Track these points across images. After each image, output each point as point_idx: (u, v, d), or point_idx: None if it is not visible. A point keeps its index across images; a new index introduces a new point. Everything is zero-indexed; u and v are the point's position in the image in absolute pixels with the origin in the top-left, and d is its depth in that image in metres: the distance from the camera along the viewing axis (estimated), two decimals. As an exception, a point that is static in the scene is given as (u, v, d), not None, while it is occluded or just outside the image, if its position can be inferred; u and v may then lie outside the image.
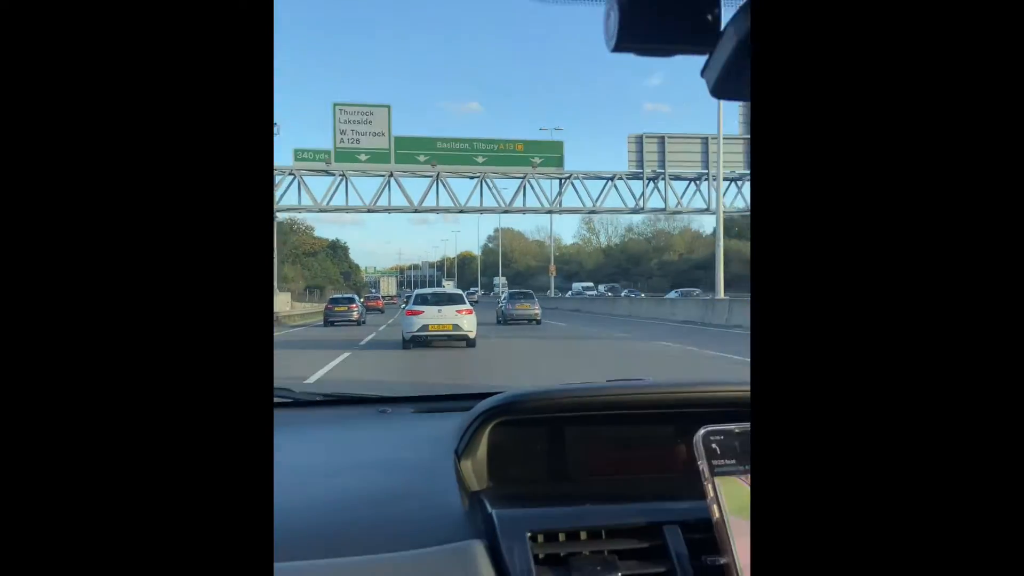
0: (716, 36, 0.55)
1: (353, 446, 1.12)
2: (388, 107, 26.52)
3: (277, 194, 25.11)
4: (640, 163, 27.16)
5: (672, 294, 32.42)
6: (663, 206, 27.72)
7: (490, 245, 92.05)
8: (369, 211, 26.87)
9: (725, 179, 24.43)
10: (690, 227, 60.74)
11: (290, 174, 25.34)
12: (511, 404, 0.90)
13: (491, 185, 27.63)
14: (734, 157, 25.90)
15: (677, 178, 27.42)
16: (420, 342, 12.10)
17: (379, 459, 1.00)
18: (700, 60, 0.56)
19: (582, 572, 0.70)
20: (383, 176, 26.24)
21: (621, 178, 27.38)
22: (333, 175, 26.10)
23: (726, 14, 0.56)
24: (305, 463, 0.98)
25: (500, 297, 27.62)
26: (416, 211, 27.61)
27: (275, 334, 14.39)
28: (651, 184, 27.03)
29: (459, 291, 14.21)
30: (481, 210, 28.15)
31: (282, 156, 28.58)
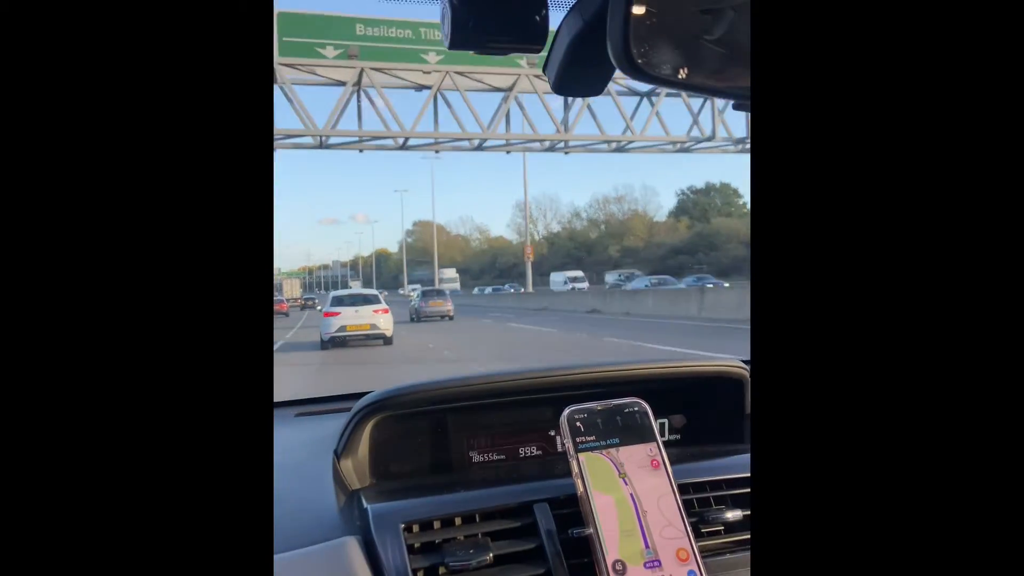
0: (545, 35, 0.59)
1: None
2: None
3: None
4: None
5: (692, 281, 27.43)
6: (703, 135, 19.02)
7: (410, 240, 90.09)
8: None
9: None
10: (639, 210, 58.98)
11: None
12: (387, 399, 0.90)
13: (447, 103, 17.08)
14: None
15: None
16: (338, 342, 12.55)
17: None
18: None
19: (455, 556, 0.72)
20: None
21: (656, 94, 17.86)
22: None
23: (555, 15, 0.60)
24: None
25: (414, 297, 23.78)
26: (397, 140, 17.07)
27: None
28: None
29: (375, 292, 14.73)
30: (460, 138, 17.45)
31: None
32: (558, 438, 1.02)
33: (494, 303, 35.47)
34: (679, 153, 21.22)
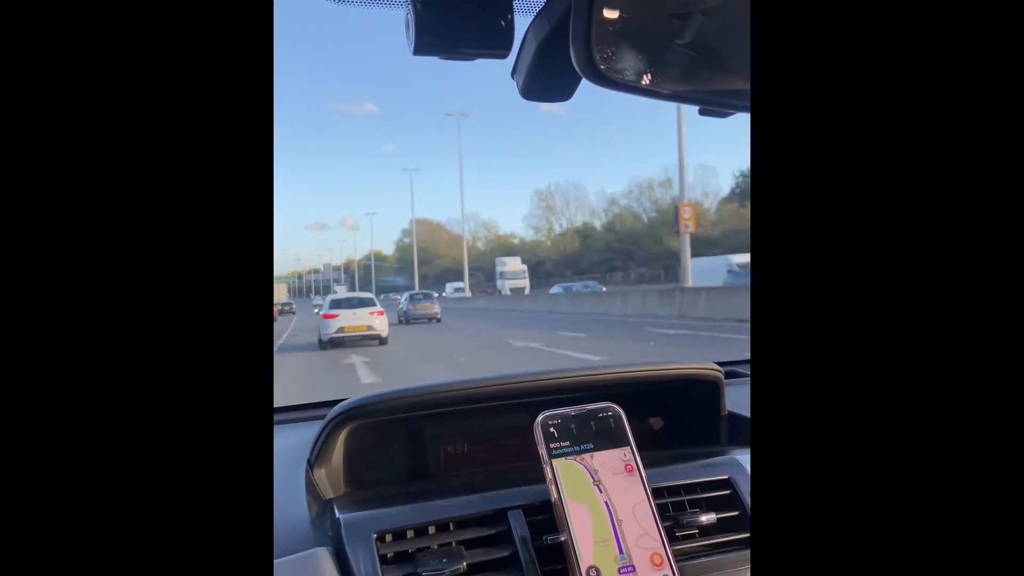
0: (511, 41, 0.59)
1: None
2: None
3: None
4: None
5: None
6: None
7: (406, 240, 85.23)
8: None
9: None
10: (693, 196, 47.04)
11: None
12: (361, 407, 0.89)
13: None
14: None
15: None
16: (337, 343, 13.41)
17: None
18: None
19: (428, 566, 0.72)
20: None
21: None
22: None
23: (520, 20, 0.60)
24: None
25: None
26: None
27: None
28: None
29: (371, 295, 15.74)
30: None
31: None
32: (533, 443, 1.01)
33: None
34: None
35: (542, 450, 0.73)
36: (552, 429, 0.74)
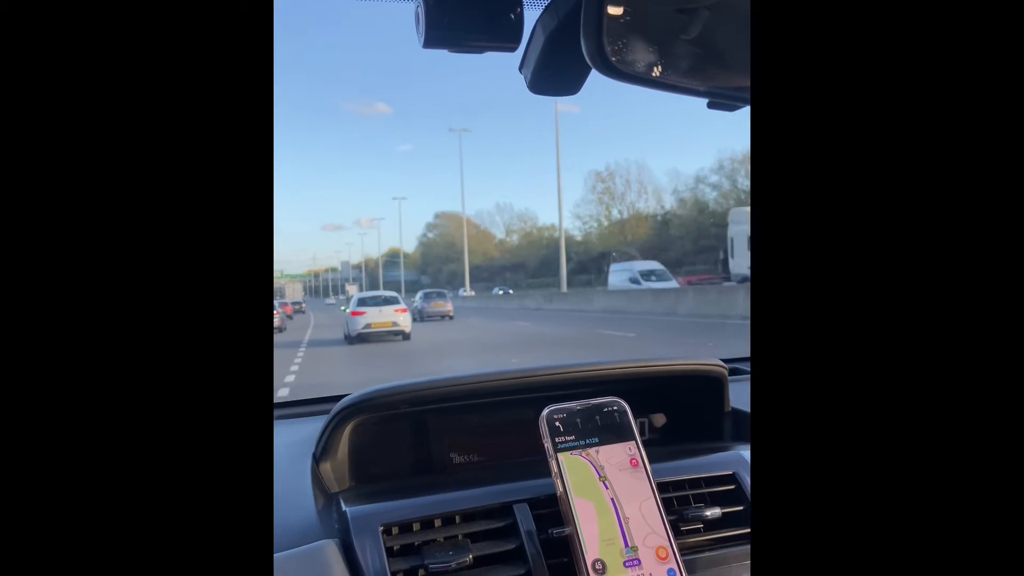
0: (520, 34, 0.59)
1: None
2: None
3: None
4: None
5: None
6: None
7: (430, 235, 79.27)
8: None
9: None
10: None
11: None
12: (366, 401, 0.89)
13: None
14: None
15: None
16: (364, 338, 14.54)
17: None
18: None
19: (434, 558, 0.72)
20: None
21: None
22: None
23: (529, 14, 0.60)
24: None
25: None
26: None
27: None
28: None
29: (396, 294, 16.95)
30: None
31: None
32: (539, 438, 1.01)
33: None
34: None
35: (547, 444, 0.73)
36: (557, 423, 0.74)
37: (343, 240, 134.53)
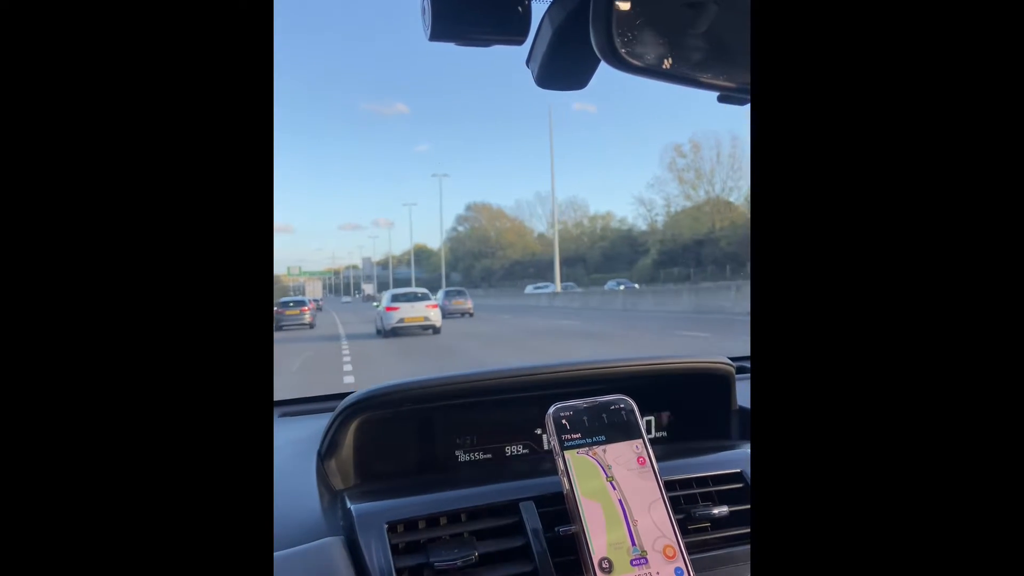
0: (528, 27, 0.59)
1: None
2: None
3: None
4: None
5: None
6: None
7: (460, 229, 72.71)
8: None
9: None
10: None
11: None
12: (370, 399, 0.89)
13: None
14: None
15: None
16: (398, 332, 15.79)
17: None
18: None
19: (440, 556, 0.72)
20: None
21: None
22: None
23: (537, 6, 0.59)
24: None
25: None
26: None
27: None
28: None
29: (426, 291, 18.19)
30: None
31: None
32: (544, 436, 1.01)
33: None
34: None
35: (554, 442, 0.73)
36: (564, 421, 0.74)
37: (363, 237, 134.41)
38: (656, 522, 0.70)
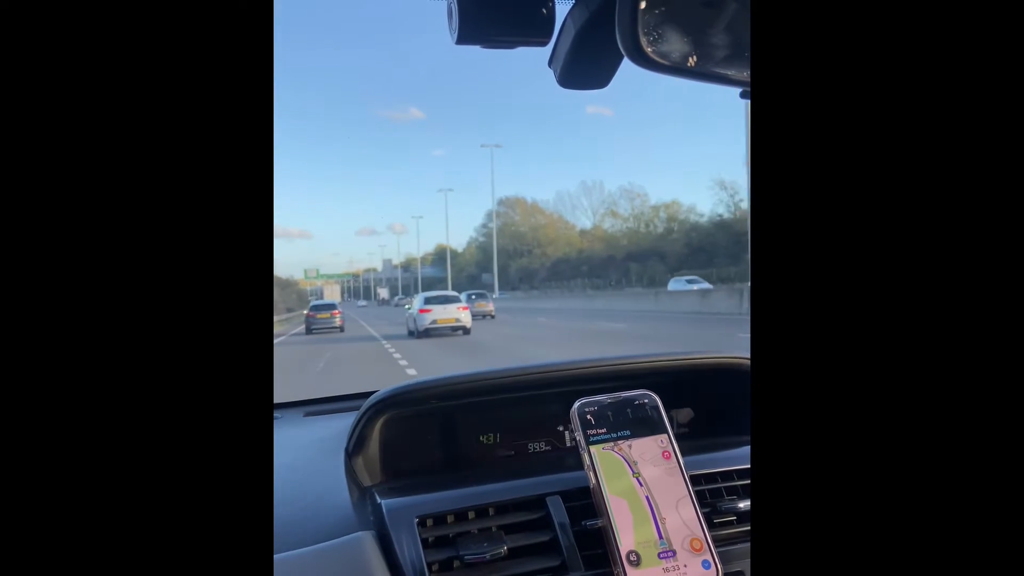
0: (552, 28, 0.59)
1: None
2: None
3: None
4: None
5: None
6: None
7: (490, 226, 66.01)
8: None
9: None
10: None
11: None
12: (395, 397, 0.90)
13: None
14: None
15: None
16: (431, 333, 16.51)
17: None
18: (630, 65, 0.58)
19: (469, 549, 0.73)
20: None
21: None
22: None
23: (560, 7, 0.60)
24: None
25: None
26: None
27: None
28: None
29: (457, 294, 19.40)
30: None
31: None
32: (567, 432, 1.03)
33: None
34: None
35: (579, 437, 0.74)
36: (589, 416, 0.74)
37: (382, 239, 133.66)
38: (683, 516, 0.71)
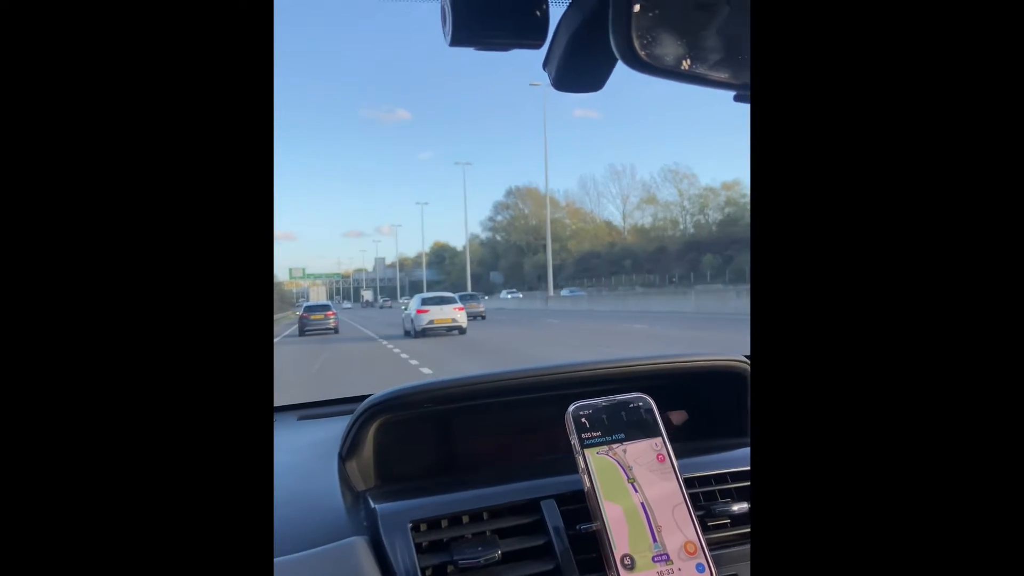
0: (546, 30, 0.59)
1: None
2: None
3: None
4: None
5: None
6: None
7: (498, 219, 62.31)
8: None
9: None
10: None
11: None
12: (389, 401, 0.90)
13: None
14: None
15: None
16: (428, 332, 16.97)
17: None
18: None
19: (463, 554, 0.73)
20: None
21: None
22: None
23: (554, 10, 0.60)
24: None
25: None
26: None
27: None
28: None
29: (453, 295, 19.70)
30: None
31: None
32: (562, 436, 1.01)
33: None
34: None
35: (574, 440, 0.73)
36: (583, 419, 0.74)
37: (368, 242, 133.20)
38: (677, 519, 0.70)
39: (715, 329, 13.94)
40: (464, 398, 0.95)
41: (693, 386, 1.08)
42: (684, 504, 0.71)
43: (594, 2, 0.59)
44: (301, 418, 1.25)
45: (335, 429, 0.99)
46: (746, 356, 1.05)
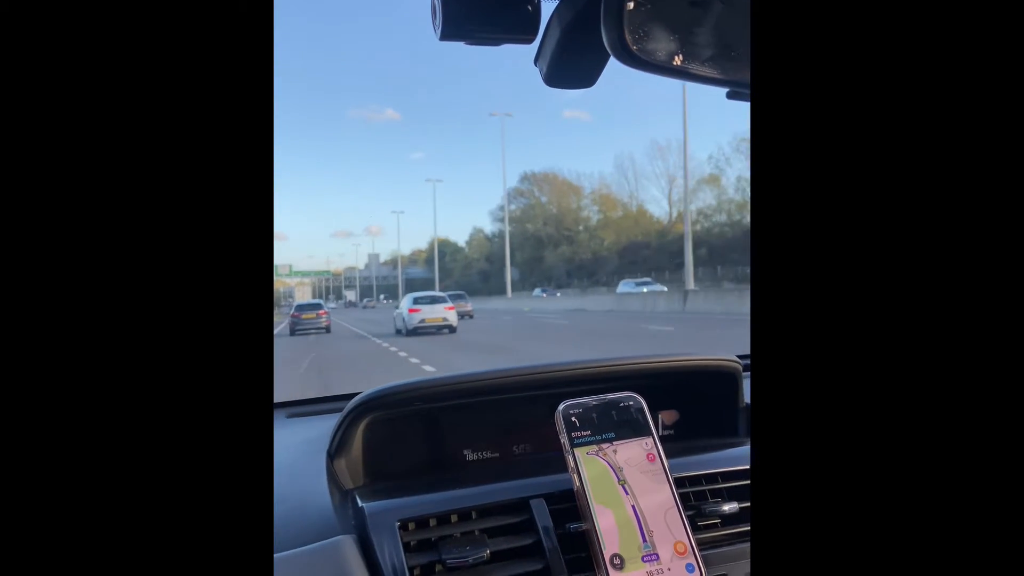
0: (537, 25, 0.59)
1: None
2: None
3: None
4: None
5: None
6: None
7: (511, 208, 53.51)
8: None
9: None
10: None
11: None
12: (378, 398, 0.89)
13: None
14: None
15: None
16: (419, 331, 17.47)
17: None
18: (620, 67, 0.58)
19: (451, 553, 0.72)
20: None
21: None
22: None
23: (546, 5, 0.60)
24: None
25: None
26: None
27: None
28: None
29: (444, 294, 20.39)
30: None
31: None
32: (551, 435, 1.01)
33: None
34: None
35: (564, 439, 0.73)
36: (573, 418, 0.74)
37: (360, 240, 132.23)
38: (667, 519, 0.70)
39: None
40: (454, 396, 0.95)
41: (683, 385, 1.08)
42: (674, 504, 0.71)
43: None
44: (290, 416, 1.25)
45: (324, 427, 0.99)
46: (739, 356, 1.06)
